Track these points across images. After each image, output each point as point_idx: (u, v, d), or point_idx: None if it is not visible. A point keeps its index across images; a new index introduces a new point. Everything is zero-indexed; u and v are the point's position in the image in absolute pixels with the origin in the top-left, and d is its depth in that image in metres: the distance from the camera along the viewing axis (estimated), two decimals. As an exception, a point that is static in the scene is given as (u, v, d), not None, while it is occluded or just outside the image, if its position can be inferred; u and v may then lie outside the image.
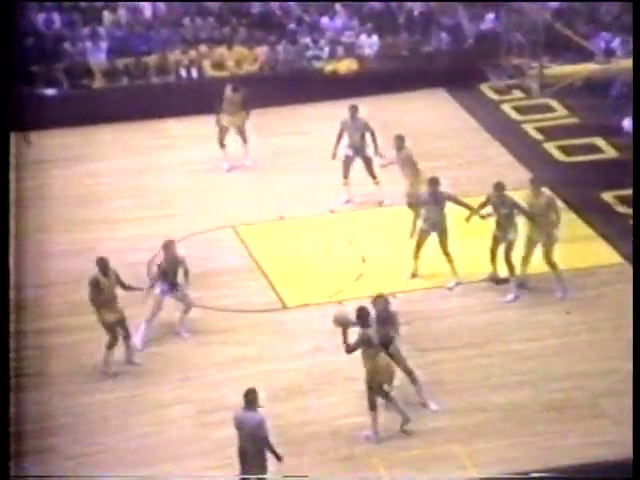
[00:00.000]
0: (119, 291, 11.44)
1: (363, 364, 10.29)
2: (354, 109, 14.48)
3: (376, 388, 10.29)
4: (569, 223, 14.29)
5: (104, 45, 17.94)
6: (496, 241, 12.52)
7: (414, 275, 12.88)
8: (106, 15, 18.49)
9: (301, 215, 14.41)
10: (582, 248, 13.64)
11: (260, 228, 14.04)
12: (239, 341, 11.97)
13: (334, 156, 14.48)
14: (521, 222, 12.60)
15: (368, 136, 14.45)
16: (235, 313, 12.36)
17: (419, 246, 12.76)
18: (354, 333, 10.30)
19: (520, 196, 12.71)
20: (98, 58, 17.82)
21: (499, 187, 12.43)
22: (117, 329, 11.29)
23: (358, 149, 14.39)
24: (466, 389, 11.06)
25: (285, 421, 10.57)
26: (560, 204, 14.70)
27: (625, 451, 9.76)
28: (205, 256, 13.21)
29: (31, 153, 16.32)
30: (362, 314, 10.27)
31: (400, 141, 13.96)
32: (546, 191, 13.16)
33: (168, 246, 11.98)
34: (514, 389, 11.12)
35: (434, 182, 12.70)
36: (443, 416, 10.57)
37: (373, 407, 10.35)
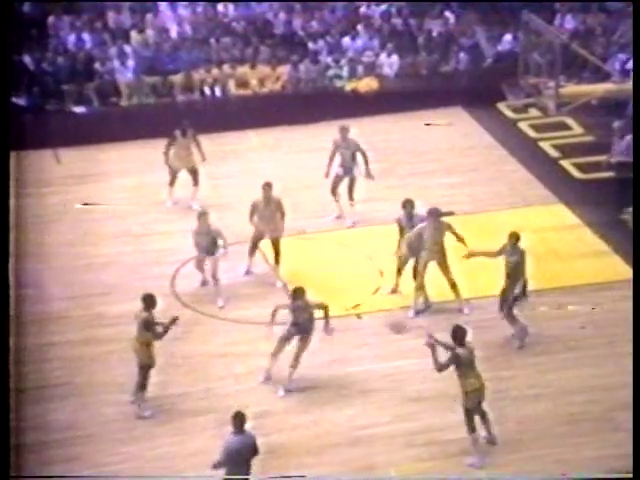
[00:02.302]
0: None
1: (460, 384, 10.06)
2: (345, 130, 14.47)
3: (472, 408, 10.06)
4: (584, 239, 14.26)
5: (131, 64, 18.10)
6: (504, 293, 11.81)
7: (394, 291, 12.82)
8: (134, 35, 18.66)
9: (322, 230, 14.42)
10: (598, 263, 13.58)
11: (282, 242, 14.04)
12: (260, 353, 11.93)
13: (327, 175, 14.49)
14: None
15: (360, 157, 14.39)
16: (256, 325, 12.36)
17: (402, 264, 12.60)
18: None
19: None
20: (126, 76, 17.97)
21: (514, 237, 11.56)
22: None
23: (347, 169, 14.39)
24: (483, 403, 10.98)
25: (302, 433, 10.55)
26: (576, 220, 14.76)
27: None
28: (227, 269, 13.23)
29: (62, 169, 16.46)
30: (457, 334, 10.01)
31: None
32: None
33: (200, 217, 12.59)
34: (530, 402, 11.04)
35: (408, 204, 12.55)
36: (460, 428, 10.49)
37: (473, 429, 10.11)
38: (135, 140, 17.01)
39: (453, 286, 12.51)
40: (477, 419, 10.26)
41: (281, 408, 10.92)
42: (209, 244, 12.70)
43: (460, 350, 9.98)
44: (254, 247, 13.27)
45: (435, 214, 12.32)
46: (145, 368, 10.88)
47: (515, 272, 11.66)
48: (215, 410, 11.05)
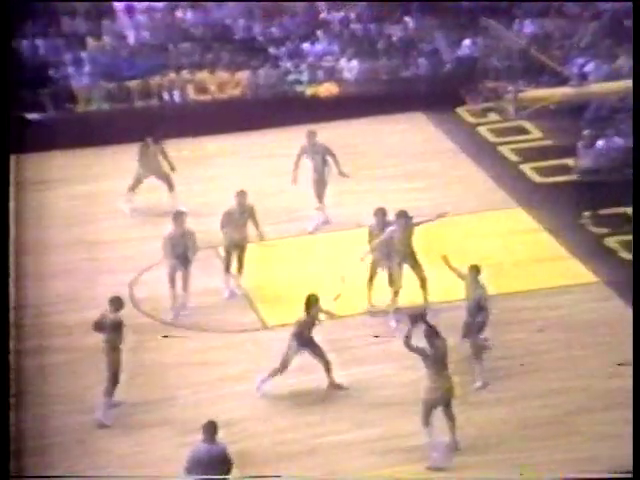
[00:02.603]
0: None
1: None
2: (312, 135, 14.49)
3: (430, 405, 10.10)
4: (543, 242, 14.33)
5: (88, 70, 17.90)
6: (466, 328, 11.59)
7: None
8: (90, 41, 18.47)
9: (281, 237, 14.36)
10: (556, 267, 13.64)
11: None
12: (220, 361, 11.87)
13: (294, 181, 14.47)
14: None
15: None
16: (217, 334, 12.26)
17: (373, 273, 12.61)
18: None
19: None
20: (82, 83, 17.76)
21: (474, 270, 11.45)
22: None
23: (321, 173, 14.41)
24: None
25: (266, 440, 10.47)
26: (535, 224, 14.84)
27: (598, 468, 9.73)
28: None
29: (14, 176, 16.20)
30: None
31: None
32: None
33: (177, 218, 12.14)
34: (489, 407, 11.05)
35: (380, 212, 12.57)
36: (421, 435, 10.47)
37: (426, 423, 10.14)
38: (90, 147, 16.83)
39: (423, 285, 12.53)
40: (444, 422, 10.25)
41: (241, 417, 10.84)
42: (184, 250, 12.32)
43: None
44: (230, 259, 12.87)
45: (404, 216, 12.34)
46: (113, 372, 10.76)
47: (478, 304, 11.53)
48: (174, 420, 10.94)
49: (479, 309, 11.48)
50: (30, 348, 11.99)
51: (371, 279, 12.71)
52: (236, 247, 12.87)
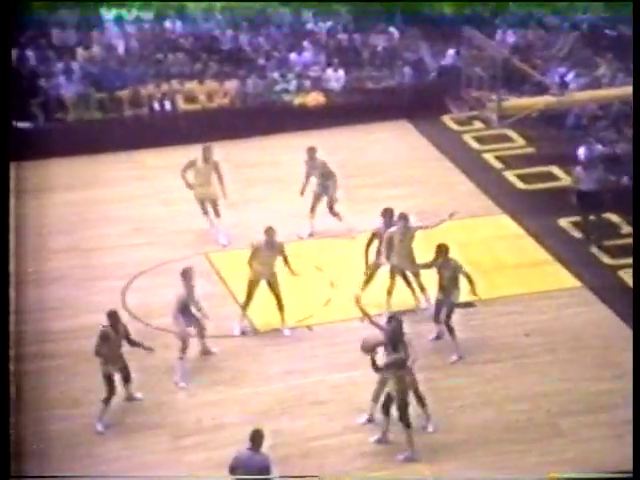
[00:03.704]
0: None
1: (390, 385, 10.18)
2: (312, 151, 14.53)
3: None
4: (527, 248, 14.47)
5: (78, 80, 17.92)
6: (439, 305, 12.00)
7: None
8: (80, 51, 18.49)
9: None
10: (540, 272, 13.77)
11: (232, 255, 14.02)
12: (212, 366, 11.91)
13: (301, 193, 14.57)
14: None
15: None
16: (208, 338, 12.29)
17: (372, 275, 12.71)
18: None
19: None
20: (72, 92, 17.77)
21: (443, 249, 11.82)
22: (114, 383, 10.84)
23: (323, 187, 14.45)
24: (430, 410, 11.05)
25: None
26: (519, 230, 14.98)
27: (583, 468, 9.84)
28: (177, 284, 13.14)
29: (13, 183, 16.19)
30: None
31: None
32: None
33: (186, 274, 11.37)
34: (477, 410, 11.15)
35: (387, 213, 12.63)
36: (413, 439, 10.54)
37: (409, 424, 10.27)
38: (81, 155, 16.84)
39: (422, 291, 12.64)
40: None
41: (234, 421, 10.88)
42: (194, 312, 11.46)
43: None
44: (250, 296, 12.21)
45: (404, 218, 12.44)
46: (106, 382, 10.80)
47: (450, 284, 11.82)
48: (168, 424, 10.97)
49: (453, 287, 11.72)
50: (29, 353, 12.01)
51: (367, 282, 12.77)
52: (258, 283, 12.18)
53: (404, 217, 12.52)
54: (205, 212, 14.35)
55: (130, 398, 11.16)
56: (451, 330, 11.96)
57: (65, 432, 10.79)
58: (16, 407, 11.02)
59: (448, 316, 11.94)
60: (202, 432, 10.80)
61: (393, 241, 12.46)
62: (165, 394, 11.43)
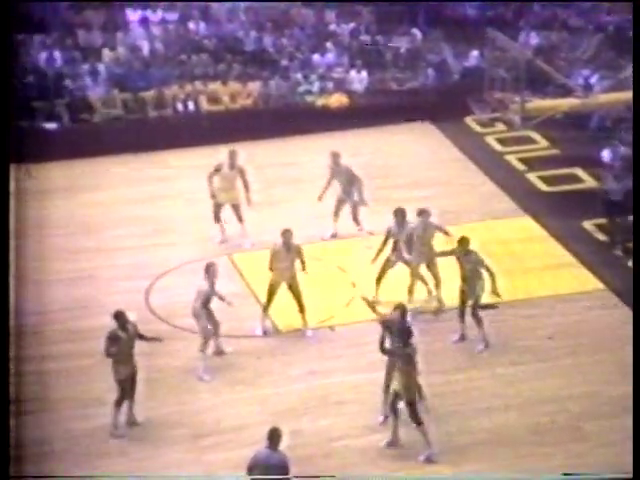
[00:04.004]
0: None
1: (397, 379, 10.15)
2: (336, 156, 14.38)
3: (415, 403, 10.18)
4: (551, 251, 14.36)
5: (103, 81, 18.00)
6: (463, 296, 12.04)
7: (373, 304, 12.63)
8: (105, 53, 18.57)
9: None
10: (564, 275, 13.67)
11: (254, 256, 14.01)
12: (234, 366, 11.90)
13: (320, 198, 14.43)
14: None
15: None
16: (231, 338, 12.30)
17: (383, 273, 12.71)
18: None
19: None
20: (97, 93, 17.86)
21: (464, 242, 11.91)
22: (127, 385, 10.73)
23: (348, 192, 14.30)
24: (453, 412, 11.01)
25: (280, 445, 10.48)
26: (542, 232, 14.88)
27: (606, 472, 9.74)
28: (201, 284, 13.14)
29: (33, 184, 16.31)
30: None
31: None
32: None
33: (209, 269, 11.40)
34: (499, 413, 11.08)
35: (399, 213, 12.57)
36: (431, 439, 10.49)
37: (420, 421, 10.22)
38: (106, 156, 16.91)
39: (437, 285, 12.68)
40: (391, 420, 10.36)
41: (257, 421, 10.86)
42: (209, 304, 11.49)
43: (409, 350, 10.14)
44: (271, 298, 12.24)
45: (425, 214, 12.46)
46: (119, 385, 10.71)
47: (472, 275, 11.87)
48: (190, 424, 10.97)
49: (476, 278, 11.75)
50: (52, 353, 12.05)
51: (379, 279, 12.76)
52: (278, 286, 12.17)
53: (424, 212, 12.53)
54: (218, 220, 14.20)
55: (132, 423, 10.86)
56: (479, 321, 11.97)
57: (87, 431, 10.81)
58: (40, 407, 11.10)
59: (474, 307, 11.94)
60: (222, 432, 10.79)
61: (413, 238, 12.45)
62: (186, 393, 11.42)
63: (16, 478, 9.63)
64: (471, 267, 11.86)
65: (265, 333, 12.47)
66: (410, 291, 12.68)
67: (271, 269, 12.27)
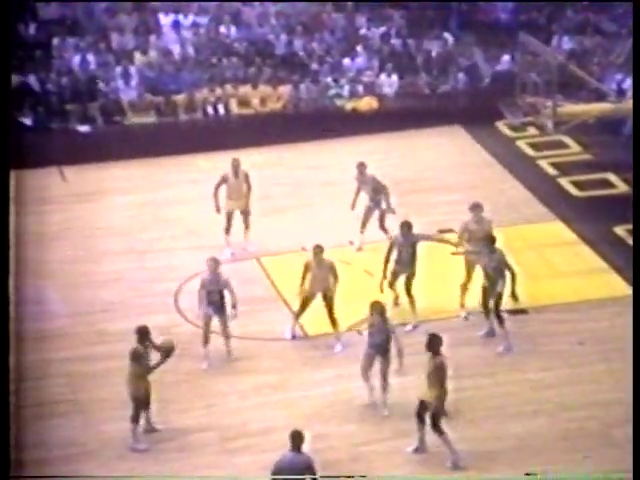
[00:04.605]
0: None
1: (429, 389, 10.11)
2: (362, 166, 14.29)
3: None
4: (582, 256, 14.21)
5: (135, 84, 18.11)
6: (485, 293, 12.07)
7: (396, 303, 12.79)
8: (137, 56, 18.68)
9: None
10: (595, 280, 13.53)
11: (283, 259, 14.00)
12: (262, 369, 11.89)
13: (352, 207, 14.37)
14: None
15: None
16: (259, 342, 12.28)
17: (390, 287, 12.68)
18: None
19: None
20: (129, 96, 17.97)
21: (490, 240, 11.97)
22: (143, 399, 10.62)
23: (375, 201, 14.21)
24: (482, 417, 10.92)
25: (306, 448, 10.43)
26: (574, 237, 14.72)
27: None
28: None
29: (66, 187, 16.43)
30: (434, 341, 10.17)
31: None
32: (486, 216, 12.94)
33: (210, 265, 11.71)
34: (529, 418, 10.97)
35: (406, 225, 12.57)
36: (460, 444, 10.40)
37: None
38: (138, 158, 16.98)
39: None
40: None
41: (284, 425, 10.79)
42: (219, 298, 11.72)
43: (442, 358, 10.06)
44: (304, 307, 12.30)
45: (478, 209, 12.61)
46: (136, 402, 10.61)
47: (495, 273, 11.87)
48: (218, 427, 10.97)
49: (499, 276, 11.73)
50: (83, 355, 12.08)
51: (391, 286, 12.76)
52: (312, 298, 12.20)
53: (477, 207, 12.76)
54: (228, 229, 14.23)
55: (151, 430, 10.80)
56: (501, 321, 11.93)
57: (117, 433, 10.82)
58: (71, 409, 11.13)
59: (497, 306, 11.90)
60: (250, 435, 10.78)
61: (468, 228, 12.56)
62: (214, 397, 11.42)
63: (15, 478, 9.54)
64: (495, 266, 11.86)
65: (294, 337, 12.44)
66: (464, 288, 12.67)
67: (303, 283, 12.19)
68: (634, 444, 9.01)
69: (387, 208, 14.26)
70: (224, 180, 14.22)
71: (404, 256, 12.50)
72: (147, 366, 10.54)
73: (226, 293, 11.81)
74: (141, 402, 10.62)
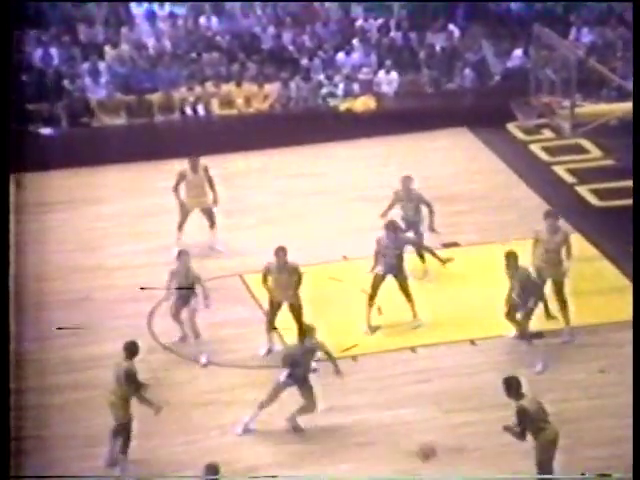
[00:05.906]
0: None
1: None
2: (408, 180, 14.09)
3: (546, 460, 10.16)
4: (603, 273, 14.25)
5: (105, 81, 18.15)
6: (514, 306, 12.25)
7: (373, 328, 12.91)
8: (108, 50, 18.72)
9: (312, 262, 14.32)
10: (618, 300, 13.51)
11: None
12: (247, 400, 11.82)
13: (383, 216, 14.09)
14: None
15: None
16: (242, 369, 12.25)
17: (374, 291, 12.89)
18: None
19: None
20: (98, 95, 18.01)
21: (512, 258, 12.18)
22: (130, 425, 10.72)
23: (411, 223, 14.04)
24: (493, 455, 10.89)
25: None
26: (594, 252, 14.75)
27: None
28: (212, 306, 13.15)
29: (28, 196, 16.41)
30: (512, 384, 10.10)
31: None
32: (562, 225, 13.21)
33: (181, 255, 12.41)
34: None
35: (391, 225, 12.86)
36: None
37: None
38: (108, 164, 17.00)
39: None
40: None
41: (271, 462, 10.82)
42: (187, 291, 12.36)
43: (524, 402, 10.00)
44: (273, 318, 12.53)
45: (552, 218, 12.85)
46: (125, 426, 10.65)
47: (525, 292, 12.08)
48: (198, 465, 10.89)
49: (528, 293, 11.99)
50: (48, 385, 12.05)
51: (371, 298, 12.91)
52: (280, 306, 12.47)
53: (551, 216, 12.94)
54: (181, 226, 14.60)
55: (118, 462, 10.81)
56: (528, 337, 12.19)
57: (86, 471, 10.75)
58: (38, 445, 11.06)
59: (525, 319, 12.17)
60: (235, 473, 10.71)
61: (540, 237, 12.77)
62: (194, 432, 11.38)
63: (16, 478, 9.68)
64: (522, 286, 12.04)
65: (269, 351, 12.50)
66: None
67: (265, 288, 12.49)
68: (634, 444, 8.99)
69: (431, 228, 14.16)
70: (182, 177, 14.44)
71: (389, 258, 12.71)
72: (140, 385, 10.57)
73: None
74: (129, 430, 10.62)
